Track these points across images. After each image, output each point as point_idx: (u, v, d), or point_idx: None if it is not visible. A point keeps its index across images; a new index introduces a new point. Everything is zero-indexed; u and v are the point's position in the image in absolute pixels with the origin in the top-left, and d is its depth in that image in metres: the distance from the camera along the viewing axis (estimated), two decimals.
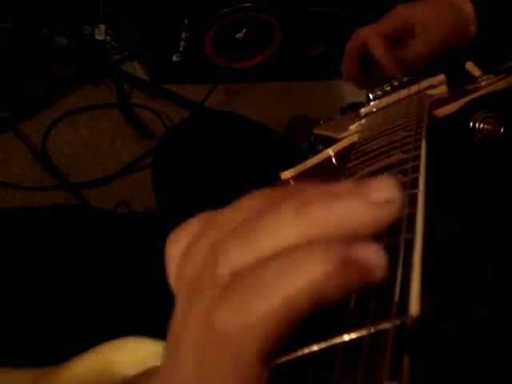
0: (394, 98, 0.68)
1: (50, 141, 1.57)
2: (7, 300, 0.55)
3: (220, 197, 0.75)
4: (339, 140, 0.61)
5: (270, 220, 0.23)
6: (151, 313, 0.56)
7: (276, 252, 0.22)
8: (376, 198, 0.22)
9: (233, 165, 0.79)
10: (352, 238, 0.22)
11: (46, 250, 0.59)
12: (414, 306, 0.21)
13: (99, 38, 1.58)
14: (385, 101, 0.68)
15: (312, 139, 0.66)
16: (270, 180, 0.61)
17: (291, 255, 0.21)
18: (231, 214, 0.25)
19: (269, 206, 0.24)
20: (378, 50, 0.71)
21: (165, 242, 0.27)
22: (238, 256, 0.23)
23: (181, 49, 1.70)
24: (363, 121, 0.64)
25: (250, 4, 1.62)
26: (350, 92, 1.85)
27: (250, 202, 0.25)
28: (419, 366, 0.18)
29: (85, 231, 0.63)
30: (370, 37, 0.72)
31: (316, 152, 0.61)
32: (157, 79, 1.78)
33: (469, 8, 0.71)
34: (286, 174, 0.58)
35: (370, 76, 0.76)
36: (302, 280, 0.21)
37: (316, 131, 0.67)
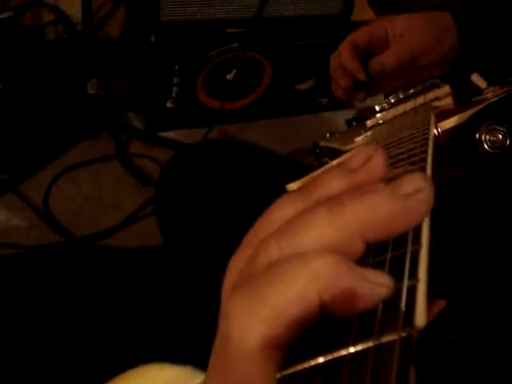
0: (400, 109, 0.67)
1: (52, 198, 1.57)
2: (25, 337, 0.54)
3: (224, 225, 0.74)
4: (345, 152, 0.60)
5: (307, 219, 0.24)
6: (167, 339, 0.55)
7: (314, 248, 0.23)
8: (404, 191, 0.23)
9: (234, 188, 0.78)
10: (387, 233, 0.23)
11: (56, 286, 0.58)
12: (420, 318, 0.20)
13: (91, 91, 1.59)
14: (391, 112, 0.68)
15: (318, 151, 0.65)
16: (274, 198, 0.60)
17: (306, 254, 0.22)
18: (270, 219, 0.26)
19: (306, 208, 0.25)
20: (344, 57, 0.73)
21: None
22: (275, 252, 0.23)
23: (173, 95, 1.72)
24: (369, 133, 0.64)
25: (236, 44, 1.64)
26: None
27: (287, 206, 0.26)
28: (426, 377, 0.18)
29: (92, 266, 0.62)
30: (342, 47, 0.74)
31: (322, 164, 0.60)
32: (153, 127, 1.79)
33: (448, 20, 0.71)
34: (292, 187, 0.58)
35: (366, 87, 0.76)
36: (309, 278, 0.21)
37: (322, 143, 0.66)
